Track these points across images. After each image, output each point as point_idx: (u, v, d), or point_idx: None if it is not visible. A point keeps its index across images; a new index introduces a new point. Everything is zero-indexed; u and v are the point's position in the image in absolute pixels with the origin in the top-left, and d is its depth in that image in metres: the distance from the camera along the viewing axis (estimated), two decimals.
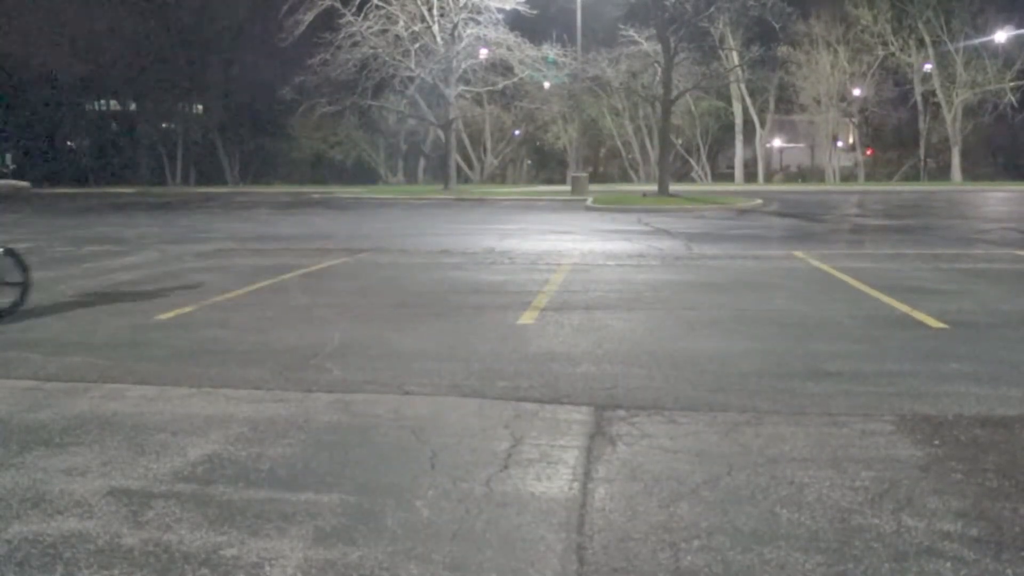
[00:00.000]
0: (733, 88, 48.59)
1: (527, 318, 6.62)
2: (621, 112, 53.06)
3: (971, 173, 48.83)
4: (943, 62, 46.95)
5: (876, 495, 3.06)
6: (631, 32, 34.27)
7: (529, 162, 64.87)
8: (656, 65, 32.95)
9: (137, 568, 2.59)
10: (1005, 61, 45.76)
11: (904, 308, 6.82)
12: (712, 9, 28.88)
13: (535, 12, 34.83)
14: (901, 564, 2.55)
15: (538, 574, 2.53)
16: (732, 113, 51.83)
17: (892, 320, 6.43)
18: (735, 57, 43.70)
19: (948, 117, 47.97)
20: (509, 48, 36.94)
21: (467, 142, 56.18)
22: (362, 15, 36.02)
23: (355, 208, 26.36)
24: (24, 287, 6.95)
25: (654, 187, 30.71)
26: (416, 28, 36.85)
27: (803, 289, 8.05)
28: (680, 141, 52.64)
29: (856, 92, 50.09)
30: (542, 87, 45.61)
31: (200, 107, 64.25)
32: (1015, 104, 45.85)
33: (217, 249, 12.61)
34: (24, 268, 6.99)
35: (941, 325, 6.13)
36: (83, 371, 5.04)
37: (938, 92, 47.77)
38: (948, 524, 2.81)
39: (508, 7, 35.61)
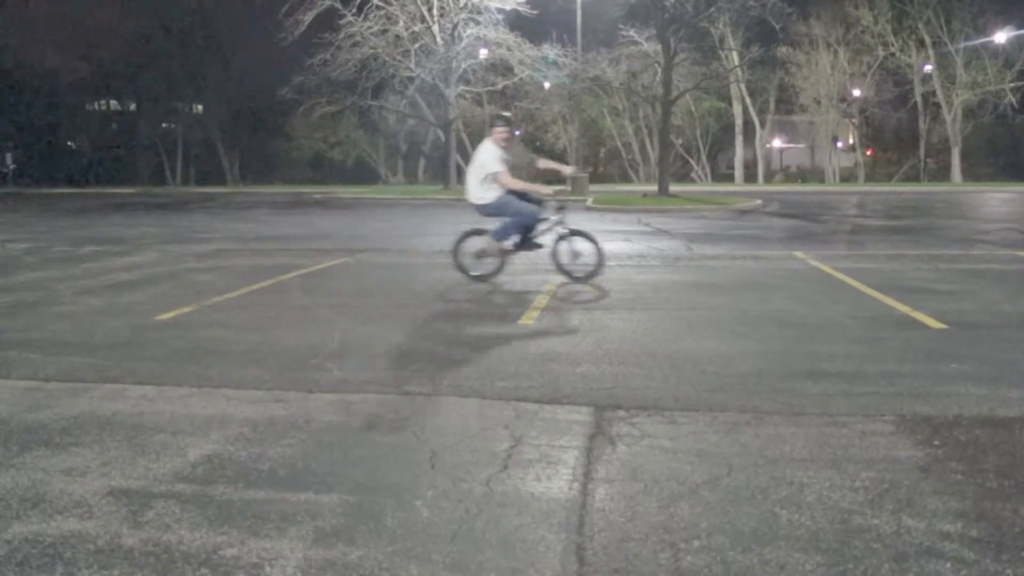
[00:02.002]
0: (733, 88, 48.61)
1: (527, 318, 6.62)
2: (621, 112, 53.08)
3: (971, 174, 48.86)
4: (943, 63, 46.97)
5: (876, 495, 3.06)
6: (631, 32, 34.28)
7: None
8: (656, 65, 32.98)
9: (137, 568, 2.59)
10: (1005, 62, 45.77)
11: (904, 308, 6.82)
12: (712, 9, 28.88)
13: (535, 12, 34.84)
14: (901, 564, 2.55)
15: (538, 574, 2.53)
16: (732, 113, 51.85)
17: (892, 320, 6.43)
18: (735, 57, 43.73)
19: (948, 118, 47.99)
20: (509, 48, 36.94)
21: (467, 142, 56.16)
22: (362, 15, 36.04)
23: (355, 208, 26.36)
24: (598, 260, 8.27)
25: (654, 187, 30.73)
26: (416, 28, 36.86)
27: (803, 289, 8.05)
28: (680, 141, 52.65)
29: (856, 92, 50.10)
30: (542, 87, 45.60)
31: (200, 107, 64.23)
32: (1015, 105, 45.87)
33: (217, 249, 12.61)
34: (596, 245, 8.30)
35: (941, 326, 6.13)
36: (83, 371, 5.04)
37: (938, 93, 47.80)
38: (948, 524, 2.81)
39: (508, 7, 35.61)
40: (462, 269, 8.58)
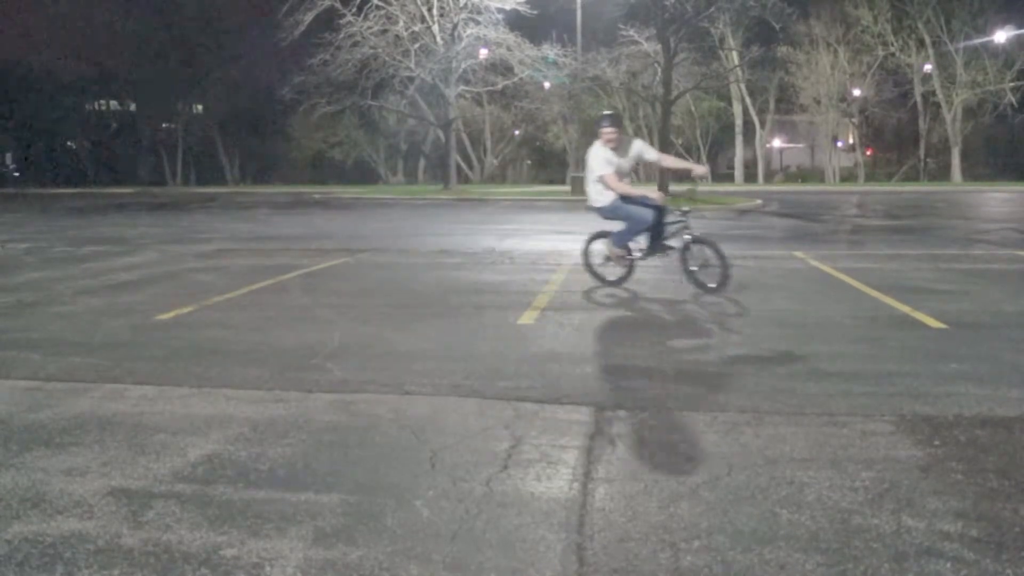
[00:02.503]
0: (733, 88, 48.65)
1: (527, 318, 6.62)
2: (621, 112, 53.09)
3: (971, 173, 48.90)
4: (943, 62, 47.00)
5: (876, 495, 3.06)
6: (631, 32, 34.32)
7: (529, 162, 64.90)
8: (656, 65, 33.00)
9: (137, 568, 2.59)
10: (1005, 61, 45.83)
11: (904, 308, 6.82)
12: (712, 9, 28.91)
13: (535, 12, 34.88)
14: (901, 564, 2.55)
15: (538, 574, 2.53)
16: (732, 113, 51.88)
17: (892, 320, 6.43)
18: (735, 57, 43.75)
19: (948, 117, 48.03)
20: (509, 48, 36.98)
21: (467, 142, 56.21)
22: (362, 15, 36.09)
23: (355, 208, 26.37)
24: (723, 270, 7.47)
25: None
26: (416, 28, 36.89)
27: (803, 289, 8.05)
28: (680, 141, 52.68)
29: (856, 92, 50.14)
30: (542, 87, 45.64)
31: (200, 107, 64.26)
32: (1015, 104, 45.94)
33: (217, 249, 12.62)
34: (721, 254, 7.52)
35: (941, 325, 6.12)
36: (83, 371, 5.04)
37: (938, 92, 47.83)
38: (948, 524, 2.81)
39: (508, 7, 35.65)
40: (595, 275, 8.23)
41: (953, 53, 46.09)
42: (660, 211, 7.73)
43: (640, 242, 7.93)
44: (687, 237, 7.70)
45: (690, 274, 7.78)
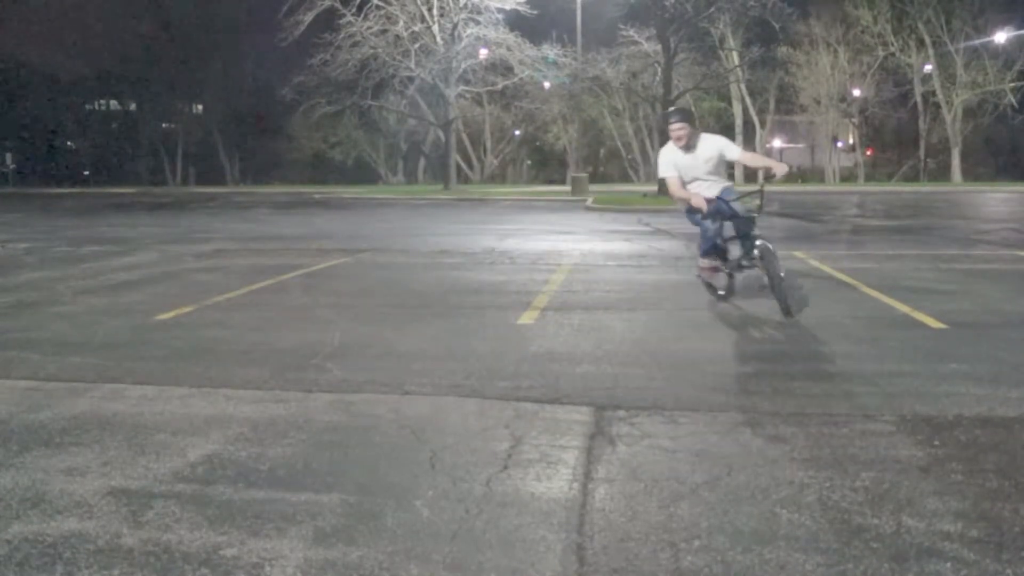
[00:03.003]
0: (733, 88, 48.66)
1: (527, 318, 6.62)
2: (621, 112, 53.17)
3: (971, 174, 48.89)
4: (943, 63, 46.99)
5: (876, 495, 3.06)
6: (631, 32, 34.34)
7: (529, 162, 64.92)
8: (656, 65, 33.02)
9: (137, 568, 2.59)
10: (1005, 62, 45.83)
11: (904, 308, 6.82)
12: (712, 9, 28.93)
13: (535, 12, 34.89)
14: (901, 564, 2.55)
15: (538, 574, 2.53)
16: (732, 113, 51.89)
17: (892, 320, 6.42)
18: (735, 57, 43.76)
19: (948, 118, 48.01)
20: (509, 48, 36.99)
21: (467, 142, 56.20)
22: (362, 15, 36.10)
23: (355, 208, 26.36)
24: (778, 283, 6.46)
25: (654, 187, 30.72)
26: (416, 28, 36.91)
27: (803, 289, 8.04)
28: None
29: (856, 92, 50.14)
30: (542, 87, 45.65)
31: (200, 107, 64.31)
32: (1015, 105, 45.93)
33: (217, 249, 12.61)
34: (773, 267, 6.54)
35: (941, 325, 6.12)
36: (83, 371, 5.04)
37: (938, 93, 47.81)
38: (948, 525, 2.81)
39: (508, 7, 35.66)
40: (706, 284, 7.42)
41: (953, 53, 46.08)
42: (735, 219, 6.72)
43: (734, 252, 6.97)
44: (758, 248, 6.61)
45: (771, 289, 6.61)
